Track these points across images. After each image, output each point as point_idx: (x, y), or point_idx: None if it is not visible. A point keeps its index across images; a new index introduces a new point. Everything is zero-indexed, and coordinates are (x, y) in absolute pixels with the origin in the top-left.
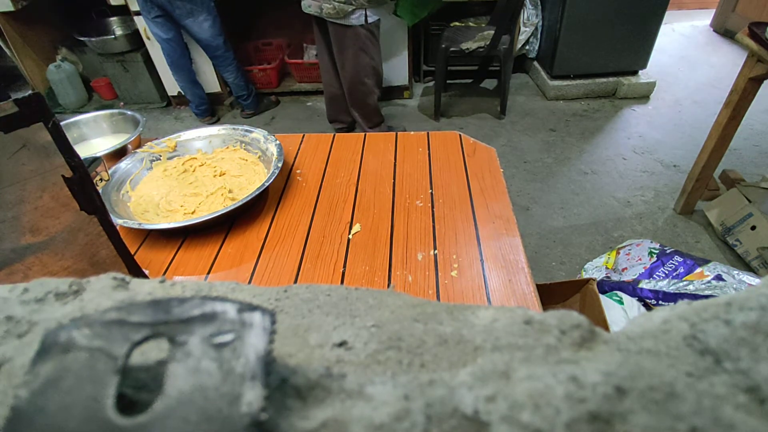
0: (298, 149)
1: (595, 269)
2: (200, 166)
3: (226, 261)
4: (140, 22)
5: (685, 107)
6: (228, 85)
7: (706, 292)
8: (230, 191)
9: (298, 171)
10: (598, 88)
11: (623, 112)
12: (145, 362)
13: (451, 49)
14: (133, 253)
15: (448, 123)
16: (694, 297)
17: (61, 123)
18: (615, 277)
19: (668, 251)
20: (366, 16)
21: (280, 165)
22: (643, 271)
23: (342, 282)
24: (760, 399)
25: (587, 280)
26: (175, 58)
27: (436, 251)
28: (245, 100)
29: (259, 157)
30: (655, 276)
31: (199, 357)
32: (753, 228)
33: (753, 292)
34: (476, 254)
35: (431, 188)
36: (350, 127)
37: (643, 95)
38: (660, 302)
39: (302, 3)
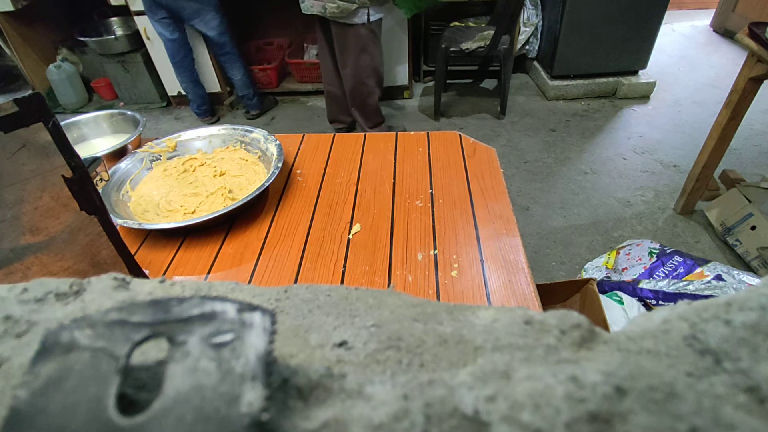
0: (298, 149)
1: (595, 269)
2: (200, 166)
3: (226, 261)
4: (140, 23)
5: (685, 107)
6: (229, 85)
7: (706, 292)
8: (230, 191)
9: (298, 171)
10: (598, 88)
11: (623, 112)
12: (145, 362)
13: (451, 49)
14: (133, 253)
15: (448, 123)
16: (694, 297)
17: (61, 123)
18: (615, 277)
19: (668, 251)
20: (368, 14)
21: (280, 165)
22: (643, 271)
23: (342, 282)
24: (760, 399)
25: (587, 280)
26: (179, 58)
27: (436, 251)
28: (250, 99)
29: (259, 157)
30: (655, 276)
31: (197, 357)
32: (753, 228)
33: (753, 292)
34: (476, 254)
35: (431, 188)
36: (350, 127)
37: (643, 95)
38: (660, 302)
39: (302, 5)
